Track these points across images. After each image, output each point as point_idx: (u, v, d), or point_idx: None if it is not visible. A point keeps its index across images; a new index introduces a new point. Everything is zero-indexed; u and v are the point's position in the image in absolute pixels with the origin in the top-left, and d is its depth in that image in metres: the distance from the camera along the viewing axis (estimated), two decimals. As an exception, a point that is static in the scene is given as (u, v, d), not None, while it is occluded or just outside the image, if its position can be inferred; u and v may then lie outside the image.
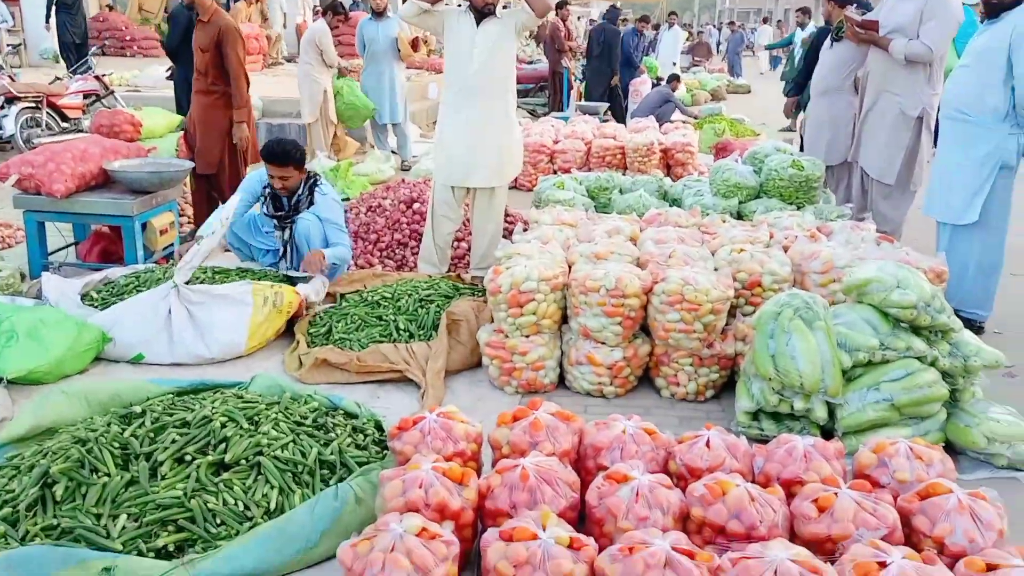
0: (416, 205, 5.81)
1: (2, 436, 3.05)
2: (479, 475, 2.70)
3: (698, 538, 2.37)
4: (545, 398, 3.15)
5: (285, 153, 4.53)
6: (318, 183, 4.71)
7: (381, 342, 4.04)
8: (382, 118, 9.31)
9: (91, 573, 2.36)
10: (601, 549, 2.19)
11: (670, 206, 5.63)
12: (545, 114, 11.46)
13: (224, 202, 5.32)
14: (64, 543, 2.43)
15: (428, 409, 2.83)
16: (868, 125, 5.61)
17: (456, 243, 5.35)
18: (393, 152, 9.40)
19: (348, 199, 6.87)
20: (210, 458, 2.69)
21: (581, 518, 2.50)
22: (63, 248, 5.51)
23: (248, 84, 5.93)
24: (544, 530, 2.18)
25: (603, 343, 3.68)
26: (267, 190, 4.74)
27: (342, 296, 4.60)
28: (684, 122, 11.10)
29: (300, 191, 4.67)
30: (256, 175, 4.82)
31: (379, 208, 5.93)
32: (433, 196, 5.01)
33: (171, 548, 2.47)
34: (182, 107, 7.47)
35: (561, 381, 3.86)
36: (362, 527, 2.44)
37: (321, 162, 8.26)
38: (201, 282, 4.30)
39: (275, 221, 4.77)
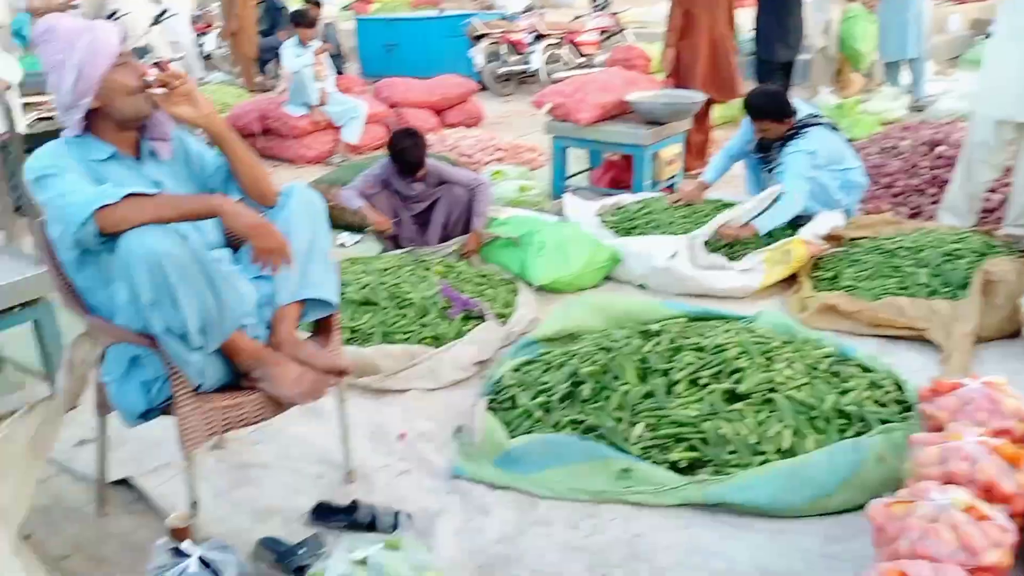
0: (940, 148, 5.16)
1: (536, 333, 3.43)
2: (1033, 460, 2.29)
3: None
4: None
5: (757, 108, 4.47)
6: (798, 136, 4.37)
7: (897, 295, 3.67)
8: (897, 53, 8.37)
9: (611, 470, 2.54)
10: None
11: None
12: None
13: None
14: (589, 438, 2.64)
15: (971, 376, 2.47)
16: None
17: (987, 194, 4.62)
18: (907, 91, 8.46)
19: (854, 140, 6.35)
20: (724, 386, 2.69)
21: None
22: (578, 173, 6.02)
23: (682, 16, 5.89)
24: None
25: None
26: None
27: (851, 240, 4.28)
28: None
29: (776, 142, 4.49)
30: None
31: (894, 150, 5.40)
32: (971, 137, 4.34)
33: (682, 464, 2.54)
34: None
35: None
36: (882, 487, 2.25)
37: (823, 99, 7.77)
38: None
39: (761, 162, 4.70)
